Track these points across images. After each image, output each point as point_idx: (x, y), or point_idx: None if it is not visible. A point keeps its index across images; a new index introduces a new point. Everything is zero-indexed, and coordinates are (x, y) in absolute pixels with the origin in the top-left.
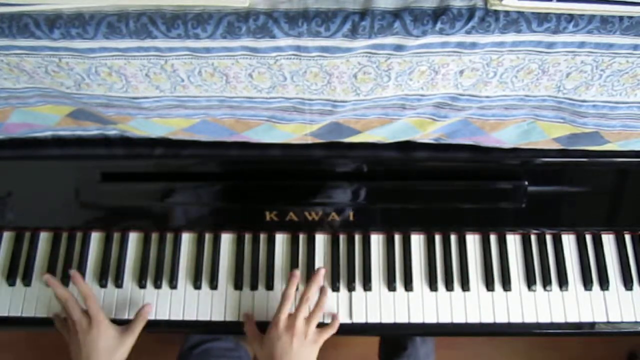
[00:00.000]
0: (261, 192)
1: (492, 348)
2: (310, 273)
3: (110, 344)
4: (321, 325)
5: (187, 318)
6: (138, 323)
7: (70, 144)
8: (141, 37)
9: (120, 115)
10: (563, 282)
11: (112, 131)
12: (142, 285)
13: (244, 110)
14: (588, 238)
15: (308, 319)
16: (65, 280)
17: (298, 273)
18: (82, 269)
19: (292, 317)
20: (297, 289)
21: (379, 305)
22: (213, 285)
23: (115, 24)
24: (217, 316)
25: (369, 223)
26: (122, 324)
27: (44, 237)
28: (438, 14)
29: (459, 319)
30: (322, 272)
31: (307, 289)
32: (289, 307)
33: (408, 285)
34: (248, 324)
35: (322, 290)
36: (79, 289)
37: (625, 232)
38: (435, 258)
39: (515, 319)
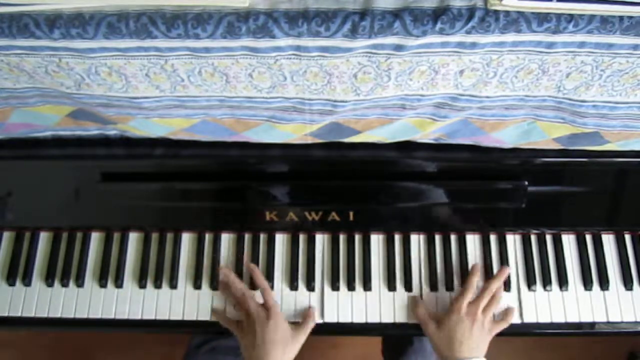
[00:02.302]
0: (261, 192)
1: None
2: (310, 273)
3: (287, 338)
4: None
5: (187, 318)
6: (309, 323)
7: (70, 144)
8: (141, 37)
9: (120, 115)
10: (563, 282)
11: (112, 131)
12: (142, 285)
13: (244, 110)
14: (588, 238)
15: (485, 309)
16: (66, 280)
17: (479, 265)
18: (82, 269)
19: (473, 305)
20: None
21: (379, 305)
22: (213, 285)
23: (115, 24)
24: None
25: (369, 223)
26: (122, 324)
27: (44, 237)
28: (438, 14)
29: None
30: (507, 270)
31: (491, 282)
32: (470, 296)
33: (408, 285)
34: (420, 307)
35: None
36: (257, 282)
37: (625, 232)
38: (435, 258)
39: (515, 319)
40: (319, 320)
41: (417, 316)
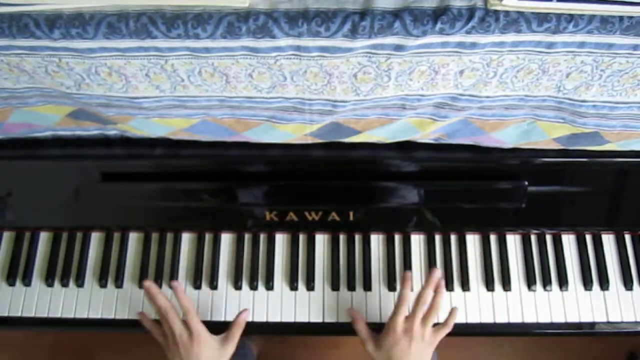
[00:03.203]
0: (261, 192)
1: (492, 348)
2: (310, 273)
3: (213, 355)
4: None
5: None
6: (236, 331)
7: (70, 144)
8: (141, 37)
9: (120, 115)
10: (563, 282)
11: (112, 131)
12: (142, 286)
13: (244, 110)
14: (588, 238)
15: (424, 320)
16: (66, 280)
17: (411, 274)
18: (82, 269)
19: (409, 319)
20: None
21: (379, 305)
22: (213, 285)
23: (115, 24)
24: (217, 316)
25: (369, 223)
26: (122, 324)
27: (44, 237)
28: (438, 14)
29: (459, 319)
30: (438, 272)
31: (424, 290)
32: (405, 310)
33: None
34: (360, 324)
35: (437, 290)
36: (180, 303)
37: (625, 232)
38: (435, 258)
39: (515, 319)
40: (319, 320)
41: (357, 332)
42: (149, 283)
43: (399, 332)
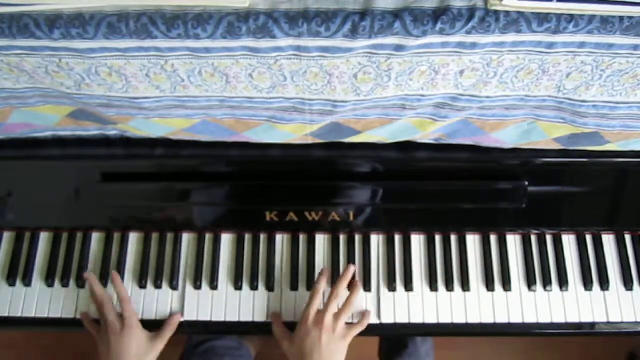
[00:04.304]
0: (261, 192)
1: (492, 348)
2: (310, 273)
3: (141, 349)
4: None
5: (187, 318)
6: (168, 330)
7: (70, 144)
8: (141, 37)
9: (120, 115)
10: (563, 282)
11: (112, 131)
12: (142, 286)
13: (244, 110)
14: (588, 238)
15: (337, 315)
16: (66, 280)
17: (328, 269)
18: (82, 269)
19: (321, 312)
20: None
21: (379, 305)
22: (213, 285)
23: (115, 24)
24: (217, 316)
25: (369, 223)
26: None
27: (44, 237)
28: (438, 14)
29: (459, 319)
30: (352, 268)
31: (336, 285)
32: (317, 303)
33: (408, 285)
34: (276, 323)
35: (353, 287)
36: (117, 291)
37: (625, 232)
38: (435, 258)
39: (515, 319)
40: None
41: (275, 333)
42: (87, 273)
43: (309, 324)
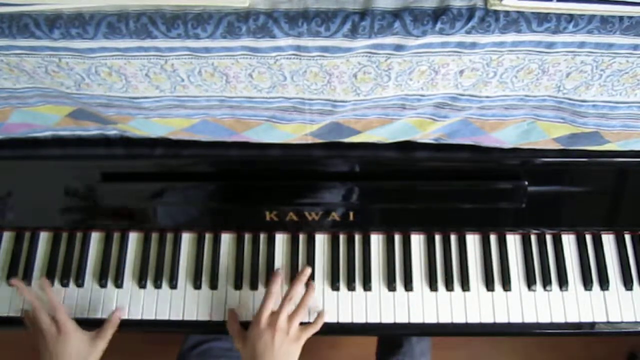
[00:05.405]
0: (261, 192)
1: (492, 348)
2: (311, 273)
3: (82, 350)
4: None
5: (187, 318)
6: (108, 329)
7: (70, 144)
8: (141, 37)
9: (120, 115)
10: (563, 282)
11: (112, 131)
12: (142, 285)
13: (244, 110)
14: (588, 238)
15: (291, 317)
16: (66, 280)
17: (281, 271)
18: (82, 269)
19: (275, 314)
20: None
21: (379, 305)
22: (213, 285)
23: (115, 24)
24: (217, 316)
25: (369, 223)
26: (122, 323)
27: (44, 237)
28: (438, 14)
29: (459, 319)
30: (307, 271)
31: (291, 287)
32: (271, 305)
33: (408, 285)
34: (231, 322)
35: (307, 288)
36: (48, 298)
37: (625, 232)
38: (435, 258)
39: (515, 319)
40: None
41: (230, 332)
42: (15, 280)
43: (262, 326)
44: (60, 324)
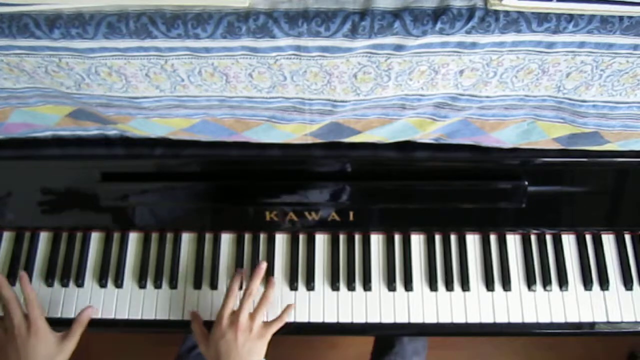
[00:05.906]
0: (261, 192)
1: (492, 348)
2: (310, 273)
3: (50, 351)
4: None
5: (187, 318)
6: (77, 329)
7: (70, 144)
8: (141, 37)
9: (120, 115)
10: (563, 282)
11: (112, 131)
12: (142, 286)
13: (244, 110)
14: (588, 238)
15: (253, 314)
16: (66, 280)
17: (242, 270)
18: (82, 269)
19: (236, 312)
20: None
21: (379, 305)
22: (213, 285)
23: (115, 24)
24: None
25: (369, 223)
26: (122, 324)
27: (44, 237)
28: (438, 14)
29: (459, 319)
30: (264, 265)
31: (250, 283)
32: (232, 304)
33: (408, 285)
34: (195, 323)
35: (268, 283)
36: (23, 292)
37: (625, 232)
38: (435, 258)
39: (515, 319)
40: (318, 320)
41: (194, 334)
42: None
43: (224, 326)
44: (31, 322)
